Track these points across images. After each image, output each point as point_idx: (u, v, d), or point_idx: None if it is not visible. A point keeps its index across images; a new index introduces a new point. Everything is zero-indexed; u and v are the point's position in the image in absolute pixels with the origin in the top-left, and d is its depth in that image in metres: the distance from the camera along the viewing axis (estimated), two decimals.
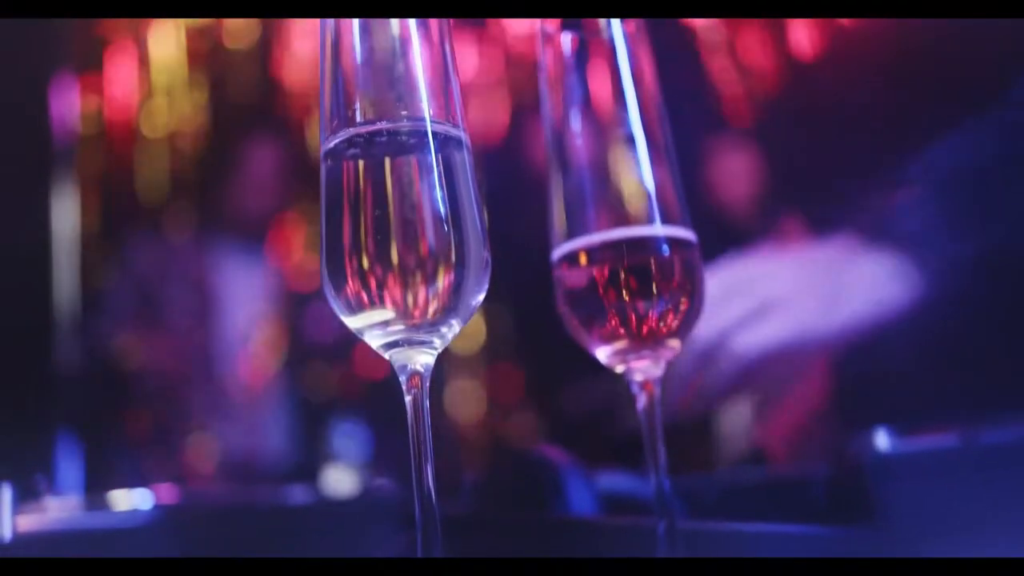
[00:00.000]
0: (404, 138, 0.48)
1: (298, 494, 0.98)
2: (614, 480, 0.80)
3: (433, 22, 0.50)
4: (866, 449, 0.67)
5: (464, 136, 0.50)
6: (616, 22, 0.60)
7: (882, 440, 0.67)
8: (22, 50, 2.07)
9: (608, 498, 0.75)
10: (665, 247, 0.57)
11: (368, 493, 0.92)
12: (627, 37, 0.60)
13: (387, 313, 0.47)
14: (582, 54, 0.61)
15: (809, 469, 0.77)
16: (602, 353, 0.59)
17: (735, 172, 1.98)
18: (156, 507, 0.96)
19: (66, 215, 2.16)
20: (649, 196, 0.58)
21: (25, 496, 0.70)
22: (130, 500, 0.93)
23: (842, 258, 0.90)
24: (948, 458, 0.63)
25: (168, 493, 0.97)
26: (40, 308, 2.06)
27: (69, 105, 2.31)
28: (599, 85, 0.60)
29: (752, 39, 2.26)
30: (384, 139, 0.48)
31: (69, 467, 2.04)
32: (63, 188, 2.16)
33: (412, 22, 0.50)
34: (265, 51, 2.98)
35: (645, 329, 0.57)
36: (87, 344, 2.17)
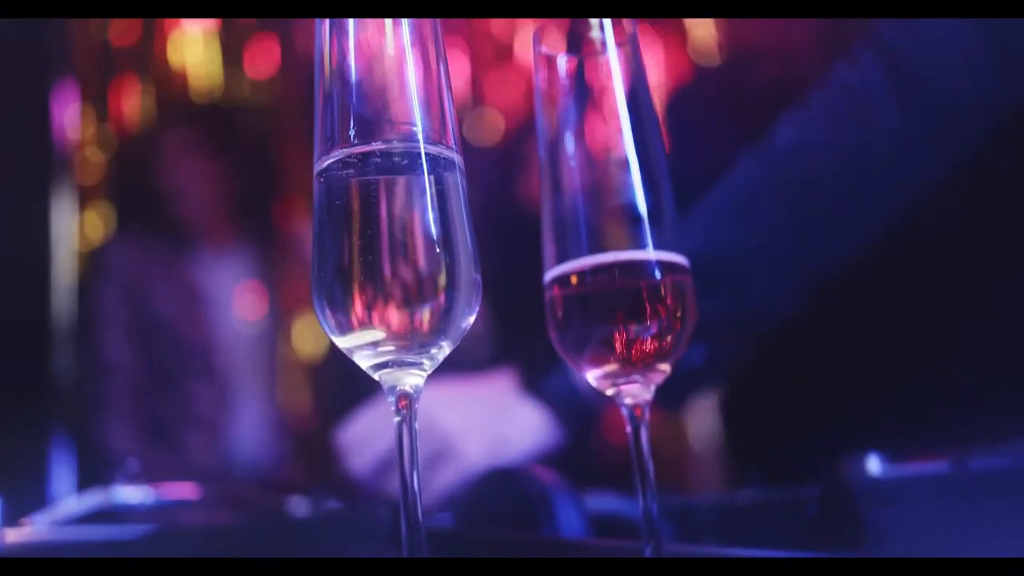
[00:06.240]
0: (397, 159, 0.48)
1: (295, 506, 0.98)
2: (604, 501, 0.80)
3: (429, 41, 0.51)
4: (857, 473, 0.67)
5: (457, 158, 0.50)
6: (612, 46, 0.61)
7: (873, 464, 0.67)
8: (24, 56, 2.08)
9: (598, 519, 0.75)
10: (657, 271, 0.57)
11: (356, 511, 0.92)
12: (624, 60, 0.61)
13: (377, 334, 0.47)
14: (578, 76, 0.61)
15: (801, 491, 0.77)
16: (592, 376, 0.59)
17: None
18: (149, 517, 0.96)
19: (65, 223, 2.16)
20: (642, 220, 0.58)
21: (14, 508, 0.70)
22: (123, 509, 0.93)
23: (505, 402, 0.95)
24: (938, 483, 0.63)
25: (162, 504, 0.97)
26: (38, 317, 2.06)
27: (70, 113, 2.31)
28: (594, 107, 0.61)
29: None
30: (378, 160, 0.48)
31: (63, 476, 2.04)
32: (62, 196, 2.16)
33: (407, 42, 0.50)
34: None
35: (635, 353, 0.56)
36: (84, 352, 2.16)
